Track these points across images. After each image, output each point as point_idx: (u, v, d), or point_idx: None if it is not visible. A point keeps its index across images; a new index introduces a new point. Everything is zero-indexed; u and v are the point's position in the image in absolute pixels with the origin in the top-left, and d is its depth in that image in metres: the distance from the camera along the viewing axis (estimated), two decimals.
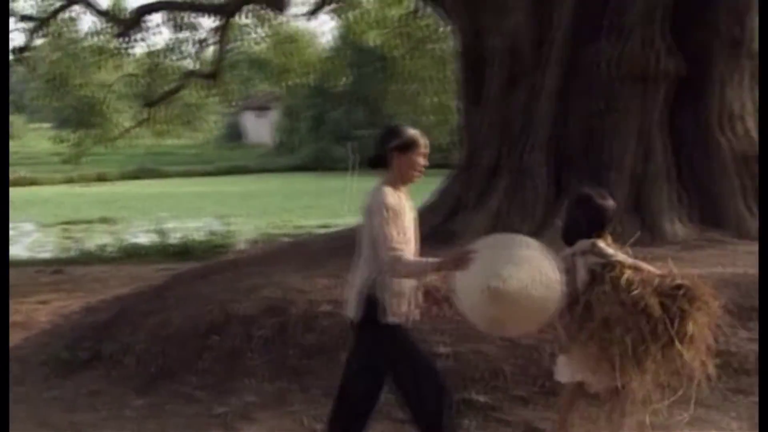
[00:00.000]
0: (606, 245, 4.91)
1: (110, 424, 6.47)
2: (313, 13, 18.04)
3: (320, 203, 26.79)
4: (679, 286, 4.78)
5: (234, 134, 57.23)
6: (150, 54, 19.29)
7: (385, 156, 4.70)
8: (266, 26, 19.40)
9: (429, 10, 13.99)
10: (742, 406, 5.79)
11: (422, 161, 4.73)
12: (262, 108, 52.86)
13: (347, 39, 26.90)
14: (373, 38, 20.72)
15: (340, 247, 10.40)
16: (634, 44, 9.78)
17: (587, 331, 4.76)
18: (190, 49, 18.71)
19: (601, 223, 4.98)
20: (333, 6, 18.37)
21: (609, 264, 4.83)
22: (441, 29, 15.77)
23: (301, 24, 21.12)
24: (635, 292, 4.73)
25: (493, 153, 10.42)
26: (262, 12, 17.79)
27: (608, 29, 9.94)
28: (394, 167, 4.69)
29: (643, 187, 9.66)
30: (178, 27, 18.19)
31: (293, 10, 17.99)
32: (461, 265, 4.50)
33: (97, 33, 18.55)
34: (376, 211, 4.55)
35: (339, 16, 19.78)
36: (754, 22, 10.35)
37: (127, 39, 17.79)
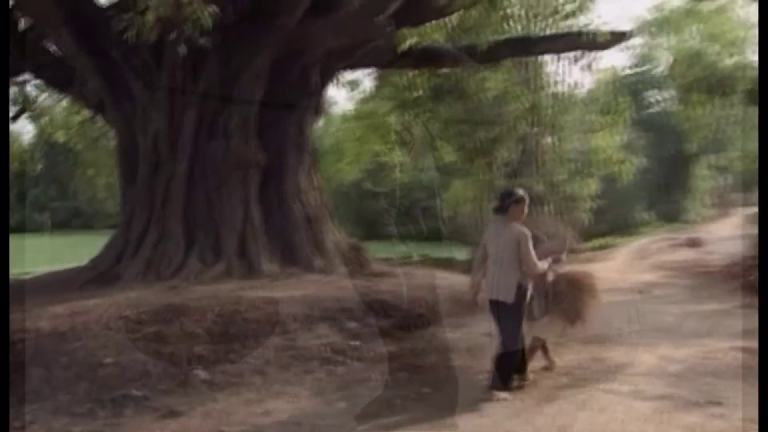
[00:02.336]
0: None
1: None
2: (14, 118, 16.25)
3: (23, 257, 23.87)
4: (578, 280, 5.84)
5: None
6: None
7: (505, 206, 5.39)
8: None
9: (99, 117, 13.05)
10: None
11: (525, 210, 5.45)
12: None
13: (42, 136, 24.47)
14: (61, 136, 19.07)
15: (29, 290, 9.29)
16: (237, 143, 9.91)
17: (558, 306, 5.71)
18: None
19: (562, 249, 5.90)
20: (29, 113, 16.65)
21: (562, 272, 5.81)
22: (110, 131, 14.78)
23: None
24: (577, 285, 5.78)
25: (144, 218, 9.98)
26: None
27: (220, 132, 9.98)
28: (510, 213, 5.39)
29: (246, 239, 9.69)
30: None
31: None
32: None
33: None
34: (526, 241, 5.28)
35: (34, 121, 18.01)
36: (311, 131, 10.91)
37: None
